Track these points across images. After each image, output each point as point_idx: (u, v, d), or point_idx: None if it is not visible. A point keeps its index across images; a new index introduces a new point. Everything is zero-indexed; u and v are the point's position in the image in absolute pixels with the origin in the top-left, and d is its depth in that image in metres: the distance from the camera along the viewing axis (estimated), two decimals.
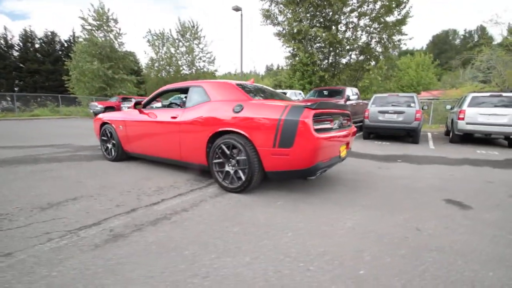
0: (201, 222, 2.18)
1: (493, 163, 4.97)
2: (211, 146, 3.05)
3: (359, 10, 18.42)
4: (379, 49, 19.42)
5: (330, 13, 18.76)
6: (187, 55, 28.48)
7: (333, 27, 18.86)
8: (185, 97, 3.60)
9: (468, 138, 7.93)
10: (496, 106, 6.81)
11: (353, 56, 19.88)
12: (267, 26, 19.41)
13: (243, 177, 2.80)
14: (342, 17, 19.19)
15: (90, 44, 21.55)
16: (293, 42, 17.88)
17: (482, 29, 75.01)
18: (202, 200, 2.70)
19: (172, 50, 28.51)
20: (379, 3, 17.79)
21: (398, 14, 17.68)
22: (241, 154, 2.80)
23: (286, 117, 2.49)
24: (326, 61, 19.87)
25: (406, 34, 19.09)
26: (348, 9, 18.63)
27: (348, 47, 19.10)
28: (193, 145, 3.19)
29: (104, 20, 22.20)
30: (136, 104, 3.88)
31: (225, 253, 1.70)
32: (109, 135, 4.45)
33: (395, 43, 19.60)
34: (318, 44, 19.34)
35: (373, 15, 18.19)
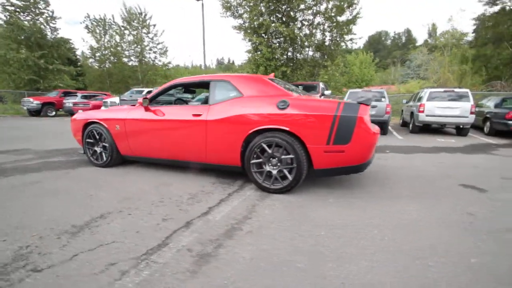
0: (279, 228, 2.01)
1: (461, 150, 5.76)
2: (247, 145, 2.84)
3: (313, 8, 19.21)
4: (332, 47, 20.66)
5: (288, 9, 19.22)
6: (135, 45, 26.10)
7: (291, 24, 19.39)
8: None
9: (424, 128, 9.04)
10: (449, 100, 7.89)
11: (310, 53, 20.78)
12: (228, 18, 18.90)
13: (289, 177, 2.68)
14: (298, 14, 19.84)
15: (14, 29, 18.06)
16: (255, 36, 17.82)
17: (408, 32, 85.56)
18: (254, 204, 2.50)
19: (117, 38, 25.83)
20: (331, 2, 18.81)
21: (350, 15, 19.00)
22: (285, 152, 2.67)
23: (343, 114, 2.45)
24: (285, 56, 20.35)
25: (355, 34, 20.67)
26: (304, 6, 19.30)
27: (306, 43, 19.88)
28: (225, 145, 2.92)
29: (32, 1, 18.79)
30: (146, 100, 3.33)
31: (340, 261, 1.60)
32: (97, 136, 3.79)
33: (347, 42, 21.11)
34: (277, 40, 19.68)
35: (327, 14, 19.10)
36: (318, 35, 20.27)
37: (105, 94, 16.65)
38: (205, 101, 3.31)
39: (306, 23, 20.03)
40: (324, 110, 2.52)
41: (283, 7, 19.26)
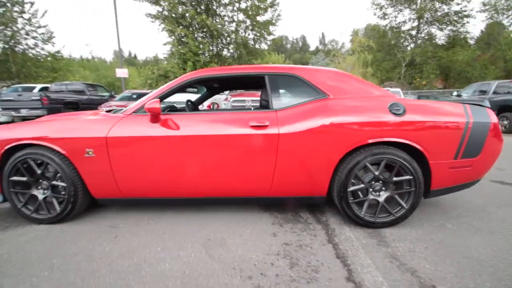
0: None
1: None
2: (339, 166, 2.00)
3: (235, 5, 18.78)
4: (257, 45, 20.82)
5: (209, 2, 18.10)
6: (2, 27, 19.35)
7: (217, 18, 18.40)
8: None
9: None
10: None
11: (236, 50, 20.30)
12: (142, 2, 16.18)
13: (404, 205, 2.01)
14: (220, 9, 19.02)
15: None
16: (179, 27, 15.88)
17: (304, 38, 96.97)
18: (393, 255, 1.70)
19: None
20: (249, 2, 18.75)
21: (272, 16, 19.43)
22: (397, 172, 1.99)
23: (475, 120, 1.95)
24: (211, 52, 19.17)
25: (274, 35, 21.46)
26: (227, 1, 18.63)
27: (229, 38, 19.27)
28: (308, 169, 1.98)
29: None
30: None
31: None
32: (38, 171, 2.09)
33: (267, 42, 21.73)
34: (202, 34, 18.26)
35: (247, 13, 18.94)
36: (241, 32, 19.96)
37: None
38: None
39: (227, 18, 19.45)
40: (453, 115, 1.95)
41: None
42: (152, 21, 17.36)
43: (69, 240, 1.94)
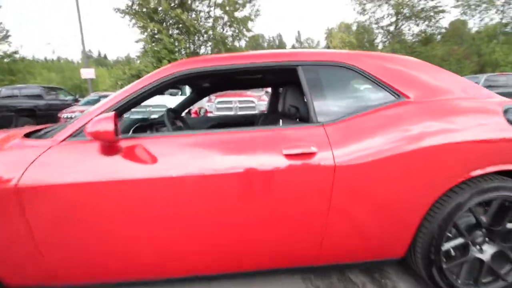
0: None
1: None
2: (431, 213, 1.23)
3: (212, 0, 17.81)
4: (235, 43, 19.94)
5: None
6: None
7: (192, 13, 17.25)
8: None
9: None
10: None
11: (214, 48, 19.28)
12: None
13: None
14: (196, 3, 17.91)
15: None
16: (151, 22, 14.53)
17: (280, 36, 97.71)
18: None
19: None
20: None
21: (251, 11, 18.59)
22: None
23: None
24: (188, 49, 17.97)
25: (253, 31, 20.65)
26: None
27: (205, 36, 18.24)
28: (382, 219, 1.19)
29: None
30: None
31: None
32: None
33: (246, 38, 20.91)
34: (177, 30, 17.00)
35: (224, 8, 18.04)
36: (219, 29, 19.03)
37: None
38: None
39: (203, 14, 18.42)
40: None
41: None
42: (122, 17, 15.88)
43: None
